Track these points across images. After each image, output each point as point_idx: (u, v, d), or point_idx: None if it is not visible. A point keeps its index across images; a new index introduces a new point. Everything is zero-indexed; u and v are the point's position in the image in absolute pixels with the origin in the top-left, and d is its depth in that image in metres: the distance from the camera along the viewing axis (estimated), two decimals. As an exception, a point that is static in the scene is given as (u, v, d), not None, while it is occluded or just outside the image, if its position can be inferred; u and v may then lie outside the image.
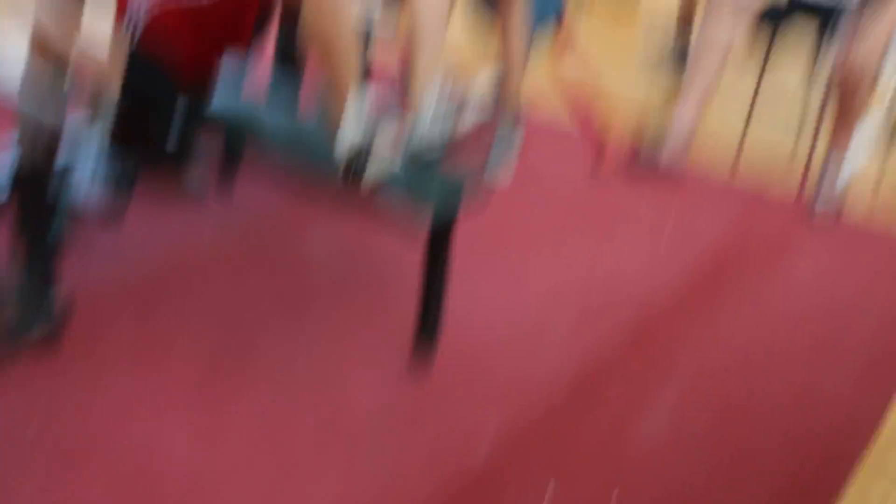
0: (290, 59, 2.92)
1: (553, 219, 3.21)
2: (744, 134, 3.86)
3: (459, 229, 2.87)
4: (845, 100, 3.30)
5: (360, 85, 2.15)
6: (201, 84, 2.38)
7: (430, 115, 2.23)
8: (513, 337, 2.51)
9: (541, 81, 3.72)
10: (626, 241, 3.11)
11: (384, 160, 2.03)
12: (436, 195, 2.21)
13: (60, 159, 2.63)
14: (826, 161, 3.46)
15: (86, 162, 2.66)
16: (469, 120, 2.25)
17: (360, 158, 2.04)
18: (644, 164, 3.58)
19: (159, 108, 2.43)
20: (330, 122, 2.11)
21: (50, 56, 2.45)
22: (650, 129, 3.61)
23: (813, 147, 3.61)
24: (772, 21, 3.56)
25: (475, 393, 2.27)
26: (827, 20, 3.44)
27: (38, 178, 2.12)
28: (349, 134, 2.06)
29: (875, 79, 3.29)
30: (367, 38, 2.82)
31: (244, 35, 2.49)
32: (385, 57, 3.29)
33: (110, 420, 2.03)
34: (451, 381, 2.30)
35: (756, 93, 3.81)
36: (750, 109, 3.84)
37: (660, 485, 2.02)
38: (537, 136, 3.86)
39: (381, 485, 1.93)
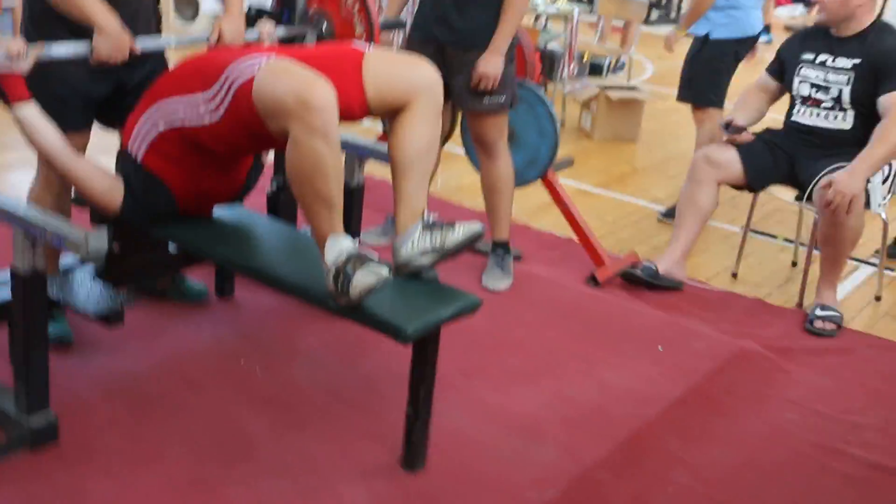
0: (280, 204, 3.10)
1: (550, 326, 3.24)
2: (743, 242, 3.92)
3: (455, 335, 2.91)
4: (830, 239, 3.33)
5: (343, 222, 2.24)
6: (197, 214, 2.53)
7: (417, 233, 2.31)
8: (504, 443, 2.51)
9: (540, 195, 3.82)
10: (622, 350, 3.12)
11: (370, 277, 2.08)
12: (420, 305, 2.25)
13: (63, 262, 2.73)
14: (821, 278, 3.48)
15: (87, 267, 2.74)
16: (457, 235, 2.32)
17: (343, 279, 2.10)
18: (643, 273, 3.62)
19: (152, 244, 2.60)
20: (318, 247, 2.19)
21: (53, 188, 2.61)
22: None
23: (809, 255, 3.64)
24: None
25: (466, 497, 2.26)
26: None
27: (38, 277, 2.18)
28: (332, 258, 2.13)
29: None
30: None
31: (240, 180, 2.61)
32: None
33: (96, 521, 2.04)
34: (440, 485, 2.30)
35: (752, 206, 3.88)
36: (748, 220, 3.90)
37: None
38: (536, 245, 3.95)
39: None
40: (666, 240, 4.16)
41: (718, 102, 4.35)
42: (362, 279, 2.08)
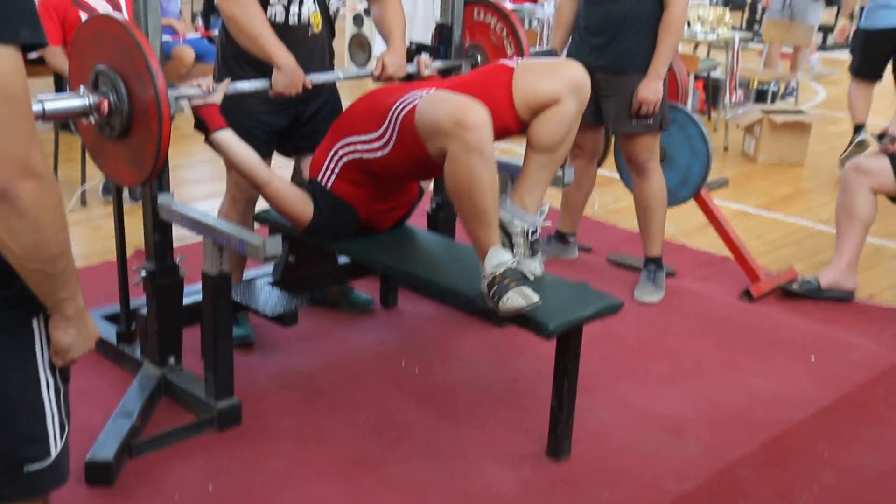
0: (439, 222, 3.35)
1: (699, 336, 3.30)
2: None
3: (605, 341, 3.04)
4: None
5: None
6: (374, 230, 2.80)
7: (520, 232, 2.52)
8: (646, 439, 2.61)
9: (698, 216, 3.88)
10: (772, 359, 3.14)
11: (520, 301, 2.29)
12: (564, 304, 2.40)
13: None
14: None
15: (266, 274, 3.07)
16: (535, 268, 2.52)
17: (497, 291, 2.31)
18: (801, 288, 3.62)
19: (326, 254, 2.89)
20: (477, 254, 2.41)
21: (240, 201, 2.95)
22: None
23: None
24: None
25: (606, 486, 2.37)
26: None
27: (225, 279, 2.50)
28: (490, 267, 2.34)
29: None
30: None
31: (412, 196, 2.88)
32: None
33: (276, 484, 2.31)
34: (582, 473, 2.43)
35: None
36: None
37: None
38: (691, 263, 4.00)
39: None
40: (830, 256, 4.12)
41: None
42: (514, 299, 2.27)
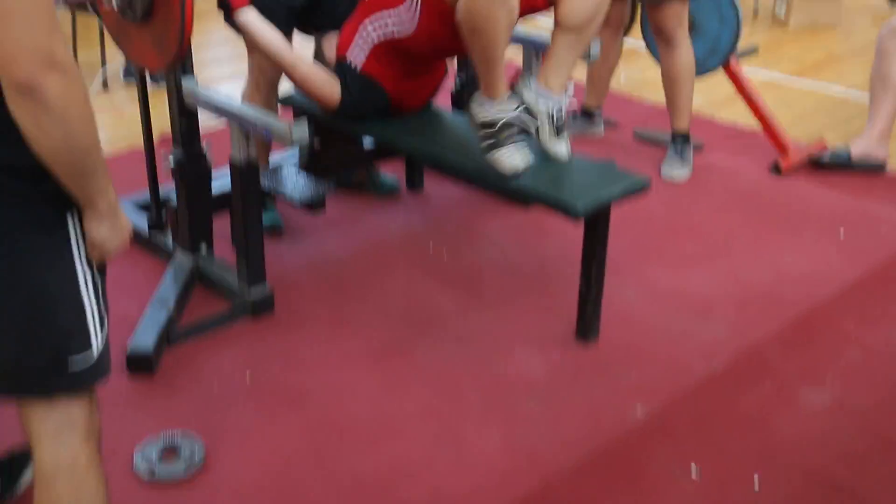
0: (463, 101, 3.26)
1: (727, 212, 3.28)
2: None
3: (631, 220, 3.03)
4: None
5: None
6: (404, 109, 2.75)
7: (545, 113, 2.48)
8: (674, 320, 2.63)
9: (726, 87, 3.79)
10: (800, 234, 3.13)
11: (517, 160, 2.31)
12: (590, 184, 2.39)
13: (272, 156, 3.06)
14: None
15: (292, 159, 3.06)
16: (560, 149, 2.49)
17: (491, 144, 2.34)
18: (831, 159, 3.56)
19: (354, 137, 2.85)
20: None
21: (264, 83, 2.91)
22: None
23: None
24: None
25: (634, 367, 2.42)
26: None
27: (252, 167, 2.49)
28: (481, 116, 2.36)
29: None
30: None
31: (439, 75, 2.82)
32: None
33: (310, 371, 2.37)
34: (610, 355, 2.47)
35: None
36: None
37: (803, 473, 2.07)
38: (719, 136, 3.94)
39: (535, 443, 2.13)
40: (861, 124, 4.04)
41: None
42: (511, 156, 2.34)
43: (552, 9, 2.46)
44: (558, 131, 2.51)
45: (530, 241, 3.06)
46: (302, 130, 2.28)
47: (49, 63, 1.16)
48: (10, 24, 1.14)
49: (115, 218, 1.37)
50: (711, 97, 4.29)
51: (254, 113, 2.42)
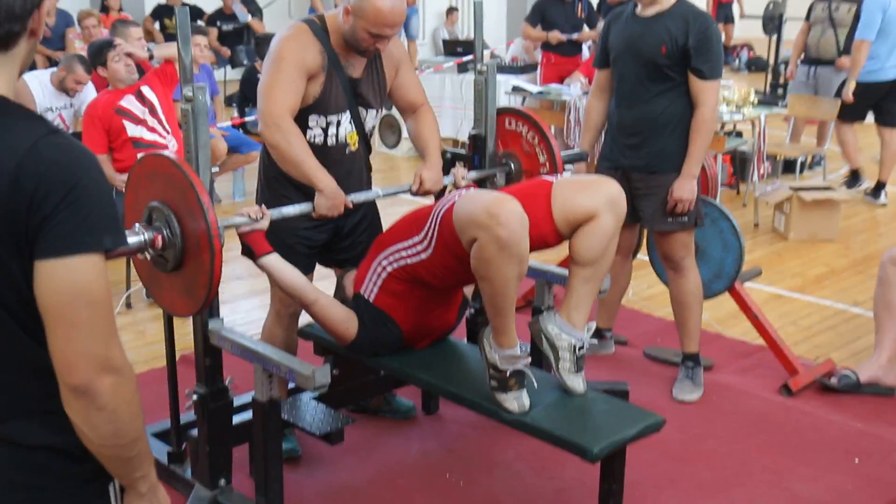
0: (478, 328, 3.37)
1: (740, 437, 3.30)
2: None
3: (647, 446, 3.05)
4: None
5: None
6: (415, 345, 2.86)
7: (567, 347, 2.60)
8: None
9: (732, 302, 3.90)
10: (815, 461, 3.13)
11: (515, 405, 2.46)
12: (605, 424, 2.44)
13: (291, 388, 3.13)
14: None
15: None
16: (577, 385, 2.63)
17: (500, 387, 2.46)
18: (840, 384, 3.62)
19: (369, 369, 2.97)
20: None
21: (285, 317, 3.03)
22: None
23: None
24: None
25: None
26: None
27: (274, 405, 2.55)
28: (495, 359, 2.48)
29: None
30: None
31: (453, 317, 2.95)
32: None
33: None
34: None
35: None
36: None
37: None
38: (727, 354, 4.02)
39: None
40: (867, 343, 4.12)
41: None
42: (510, 402, 2.49)
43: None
44: (578, 367, 2.59)
45: (547, 467, 3.06)
46: (324, 375, 2.36)
47: (105, 367, 1.26)
48: (74, 335, 1.24)
49: (155, 497, 1.42)
50: (718, 313, 4.40)
51: (278, 354, 2.51)
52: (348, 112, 2.90)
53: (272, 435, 2.59)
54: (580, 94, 6.45)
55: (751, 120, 6.10)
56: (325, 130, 2.88)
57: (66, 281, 1.24)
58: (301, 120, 2.81)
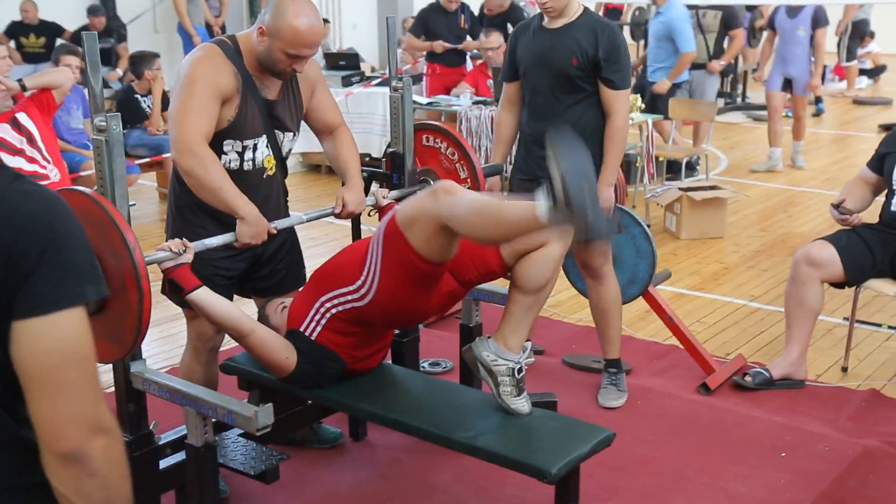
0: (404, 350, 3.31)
1: (670, 441, 3.33)
2: (850, 334, 3.97)
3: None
4: None
5: None
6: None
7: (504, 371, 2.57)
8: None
9: (639, 303, 3.96)
10: (744, 459, 3.19)
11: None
12: (556, 443, 2.40)
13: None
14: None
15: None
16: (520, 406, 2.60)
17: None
18: (755, 382, 3.71)
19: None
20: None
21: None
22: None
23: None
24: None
25: None
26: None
27: (210, 450, 2.41)
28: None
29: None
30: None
31: (391, 337, 2.89)
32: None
33: None
34: None
35: (856, 299, 3.95)
36: (852, 312, 3.97)
37: None
38: (643, 356, 4.07)
39: None
40: (770, 336, 4.26)
41: None
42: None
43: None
44: (519, 390, 2.54)
45: (487, 487, 3.01)
46: (267, 416, 2.24)
47: (96, 429, 1.17)
48: (63, 398, 1.14)
49: None
50: (626, 315, 4.42)
51: (213, 396, 2.37)
52: (264, 136, 2.77)
53: (208, 482, 2.44)
54: (469, 104, 6.45)
55: (638, 125, 6.25)
56: (241, 155, 2.75)
57: (52, 340, 1.14)
58: (215, 145, 2.67)
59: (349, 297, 2.55)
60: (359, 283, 2.52)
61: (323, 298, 2.59)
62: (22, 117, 4.35)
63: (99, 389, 1.18)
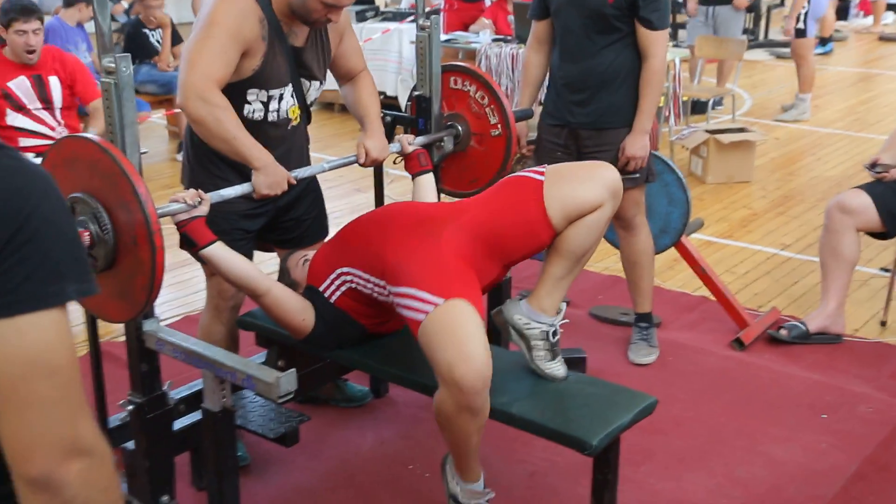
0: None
1: (705, 400, 3.20)
2: (891, 286, 3.80)
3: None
4: None
5: None
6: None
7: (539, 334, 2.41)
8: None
9: (666, 252, 3.79)
10: (784, 421, 3.06)
11: None
12: (598, 412, 2.26)
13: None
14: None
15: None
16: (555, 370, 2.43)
17: None
18: (792, 336, 3.56)
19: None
20: None
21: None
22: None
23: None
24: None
25: None
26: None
27: (228, 415, 2.27)
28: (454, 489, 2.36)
29: None
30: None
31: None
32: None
33: None
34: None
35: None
36: (895, 263, 3.80)
37: None
38: (673, 308, 3.91)
39: None
40: (804, 287, 4.11)
41: None
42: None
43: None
44: (553, 353, 2.39)
45: (513, 449, 2.88)
46: (290, 382, 2.09)
47: (72, 452, 0.98)
48: (30, 416, 0.96)
49: None
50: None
51: (231, 359, 2.21)
52: (290, 85, 2.59)
53: (226, 447, 2.31)
54: (489, 41, 6.20)
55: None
56: (266, 105, 2.57)
57: (16, 348, 0.95)
58: (238, 94, 2.48)
59: (372, 287, 2.38)
60: (381, 283, 2.34)
61: (345, 269, 2.42)
62: (53, 81, 4.19)
63: (78, 404, 0.99)
